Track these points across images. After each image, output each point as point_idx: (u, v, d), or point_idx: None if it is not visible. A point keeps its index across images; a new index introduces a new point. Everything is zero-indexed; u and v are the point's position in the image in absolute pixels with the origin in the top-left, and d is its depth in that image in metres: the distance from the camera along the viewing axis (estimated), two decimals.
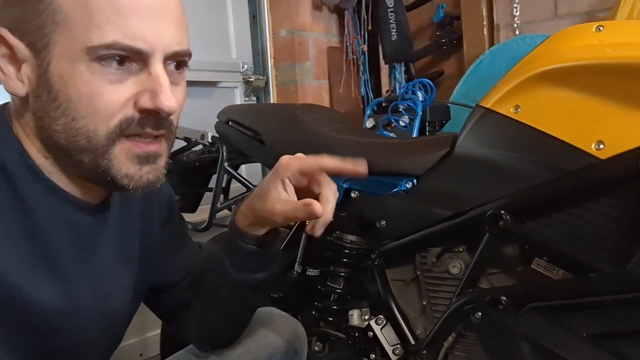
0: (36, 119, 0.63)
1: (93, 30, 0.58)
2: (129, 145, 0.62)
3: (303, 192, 0.77)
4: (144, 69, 0.61)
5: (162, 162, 0.67)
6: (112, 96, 0.60)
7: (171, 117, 0.64)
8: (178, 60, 0.65)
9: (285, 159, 0.77)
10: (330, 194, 0.75)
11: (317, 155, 0.76)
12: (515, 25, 2.14)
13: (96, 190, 0.68)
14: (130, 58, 0.60)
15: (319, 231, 0.74)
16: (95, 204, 0.70)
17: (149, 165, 0.64)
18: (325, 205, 0.73)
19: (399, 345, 1.05)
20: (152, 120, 0.62)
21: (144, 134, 0.63)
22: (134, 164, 0.63)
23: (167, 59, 0.63)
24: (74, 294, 0.67)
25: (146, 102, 0.61)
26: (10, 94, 0.64)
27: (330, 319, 1.16)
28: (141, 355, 1.86)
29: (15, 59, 0.62)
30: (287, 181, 0.76)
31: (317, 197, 0.74)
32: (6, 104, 0.68)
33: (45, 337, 0.66)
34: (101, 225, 0.71)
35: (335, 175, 0.76)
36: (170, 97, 0.61)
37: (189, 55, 0.66)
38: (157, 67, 0.61)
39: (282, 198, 0.75)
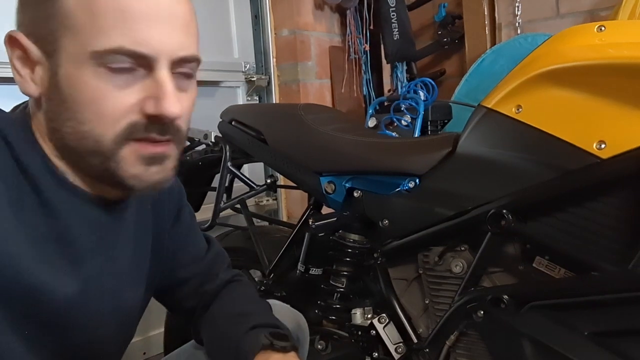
0: (48, 120, 0.64)
1: (99, 35, 0.59)
2: (137, 147, 0.63)
3: None
4: (149, 74, 0.61)
5: (170, 164, 0.67)
6: (117, 102, 0.60)
7: (178, 122, 0.65)
8: (185, 66, 0.65)
9: None
10: None
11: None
12: (517, 24, 2.14)
13: (110, 190, 0.69)
14: (137, 63, 0.60)
15: None
16: (114, 202, 0.71)
17: (155, 166, 0.65)
18: None
19: (401, 344, 1.05)
20: (158, 126, 0.63)
21: (150, 139, 0.63)
22: (142, 165, 0.64)
23: (174, 64, 0.63)
24: (96, 292, 0.69)
25: (150, 108, 0.61)
26: (25, 94, 0.65)
27: (333, 317, 1.16)
28: (144, 354, 1.87)
29: (29, 61, 0.63)
30: None
31: None
32: (25, 104, 0.68)
33: (65, 333, 0.67)
34: (121, 223, 0.73)
35: None
36: (173, 103, 0.61)
37: (197, 60, 0.66)
38: (162, 72, 0.61)
39: None
